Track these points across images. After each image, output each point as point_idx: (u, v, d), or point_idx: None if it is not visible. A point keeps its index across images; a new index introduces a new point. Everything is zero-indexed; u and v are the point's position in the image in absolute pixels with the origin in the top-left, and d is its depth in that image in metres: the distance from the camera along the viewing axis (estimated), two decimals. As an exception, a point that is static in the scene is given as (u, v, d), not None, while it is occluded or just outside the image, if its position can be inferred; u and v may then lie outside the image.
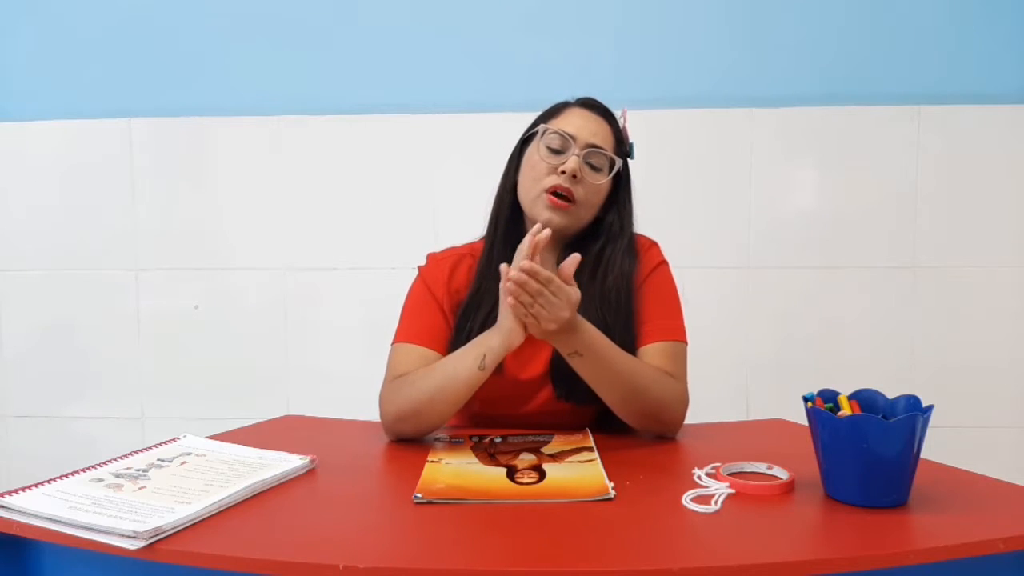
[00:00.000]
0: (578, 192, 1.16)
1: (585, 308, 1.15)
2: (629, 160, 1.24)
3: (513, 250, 1.21)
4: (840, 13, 1.95)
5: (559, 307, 0.99)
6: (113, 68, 2.05)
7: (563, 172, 1.14)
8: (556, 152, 1.17)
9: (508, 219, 1.23)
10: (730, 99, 1.96)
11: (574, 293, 1.00)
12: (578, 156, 1.15)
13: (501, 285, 1.02)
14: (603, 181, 1.18)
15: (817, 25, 1.96)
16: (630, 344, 1.16)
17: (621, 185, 1.24)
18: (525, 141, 1.23)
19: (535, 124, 1.24)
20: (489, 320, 1.13)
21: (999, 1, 1.93)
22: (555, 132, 1.17)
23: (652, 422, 1.11)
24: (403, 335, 1.20)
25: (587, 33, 1.98)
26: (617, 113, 1.25)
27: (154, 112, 2.03)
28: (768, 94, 1.96)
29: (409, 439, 1.11)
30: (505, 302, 1.02)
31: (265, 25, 2.02)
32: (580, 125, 1.18)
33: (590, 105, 1.22)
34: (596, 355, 1.05)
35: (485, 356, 1.04)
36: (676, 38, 1.98)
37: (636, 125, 1.91)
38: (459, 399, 1.07)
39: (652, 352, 1.16)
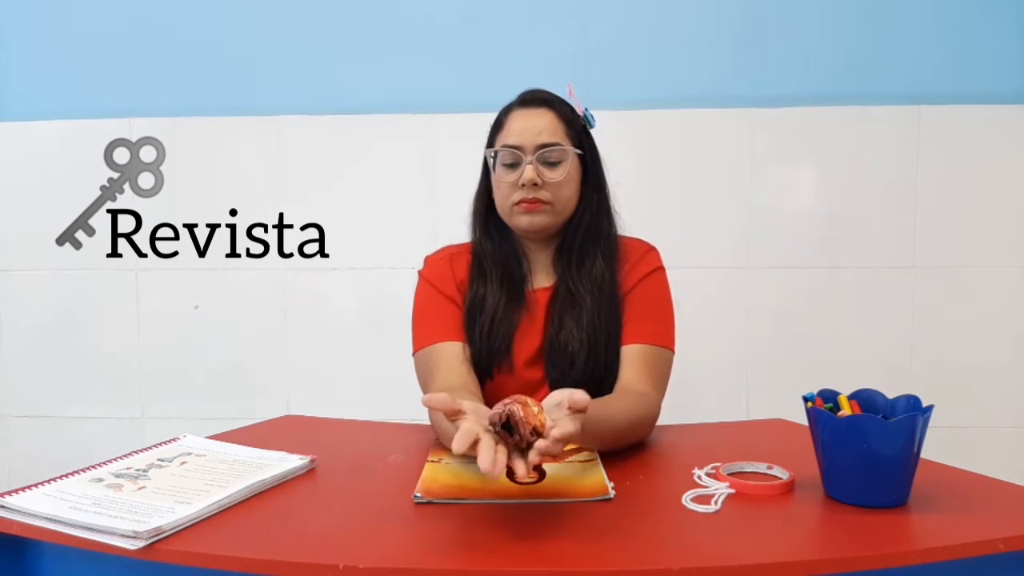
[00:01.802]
0: (544, 195, 1.16)
1: (579, 293, 1.16)
2: (591, 129, 1.23)
3: (501, 251, 1.23)
4: (840, 13, 1.95)
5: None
6: (113, 68, 2.05)
7: (523, 185, 1.15)
8: (513, 167, 1.17)
9: (487, 222, 1.25)
10: (730, 99, 1.96)
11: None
12: (532, 163, 1.15)
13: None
14: (565, 174, 1.17)
15: (817, 25, 1.96)
16: (615, 331, 1.17)
17: (588, 163, 1.23)
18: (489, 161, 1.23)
19: (488, 138, 1.23)
20: (494, 323, 1.15)
21: (999, 1, 1.93)
22: (504, 149, 1.17)
23: (623, 446, 1.06)
24: (421, 340, 1.19)
25: (587, 33, 1.98)
26: (565, 92, 1.23)
27: (154, 112, 2.03)
28: (768, 94, 1.96)
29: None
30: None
31: (265, 25, 2.02)
32: (523, 129, 1.17)
33: (528, 101, 1.21)
34: (589, 435, 0.94)
35: None
36: (675, 38, 1.98)
37: (636, 125, 1.94)
38: None
39: (633, 353, 1.16)
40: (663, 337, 1.18)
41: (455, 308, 1.21)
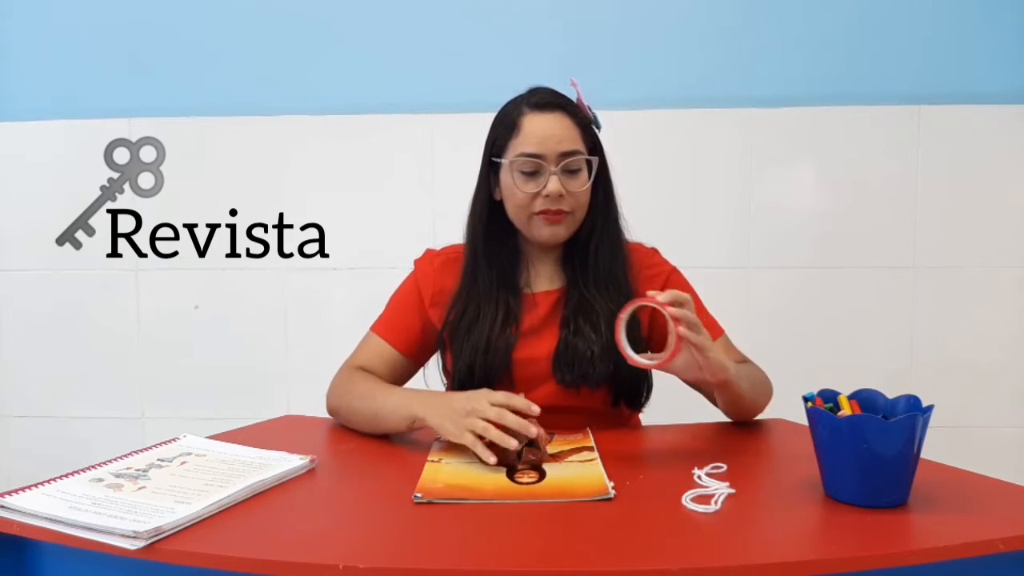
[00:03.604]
0: (567, 205, 1.15)
1: (593, 298, 1.16)
2: (598, 130, 1.21)
3: (498, 256, 1.21)
4: (840, 13, 1.95)
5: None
6: (113, 68, 2.04)
7: (547, 196, 1.13)
8: (531, 175, 1.14)
9: (488, 228, 1.22)
10: (730, 99, 1.96)
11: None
12: (556, 175, 1.13)
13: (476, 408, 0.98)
14: (586, 183, 1.16)
15: (817, 25, 1.95)
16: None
17: (599, 166, 1.20)
18: (492, 161, 1.20)
19: (494, 139, 1.19)
20: (491, 340, 1.15)
21: (999, 1, 1.93)
22: (523, 157, 1.13)
23: (752, 410, 1.15)
24: (380, 327, 1.24)
25: (587, 33, 1.98)
26: (568, 89, 1.20)
27: (154, 112, 2.03)
28: (768, 94, 1.96)
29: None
30: (466, 403, 0.99)
31: (265, 25, 2.02)
32: (544, 136, 1.13)
33: (544, 105, 1.15)
34: (735, 372, 1.05)
35: (415, 422, 1.05)
36: (675, 38, 1.97)
37: (635, 126, 1.94)
38: (383, 433, 1.11)
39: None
40: (717, 327, 1.22)
41: (419, 316, 1.23)
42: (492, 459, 0.92)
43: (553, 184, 1.12)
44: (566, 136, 1.14)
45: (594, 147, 1.19)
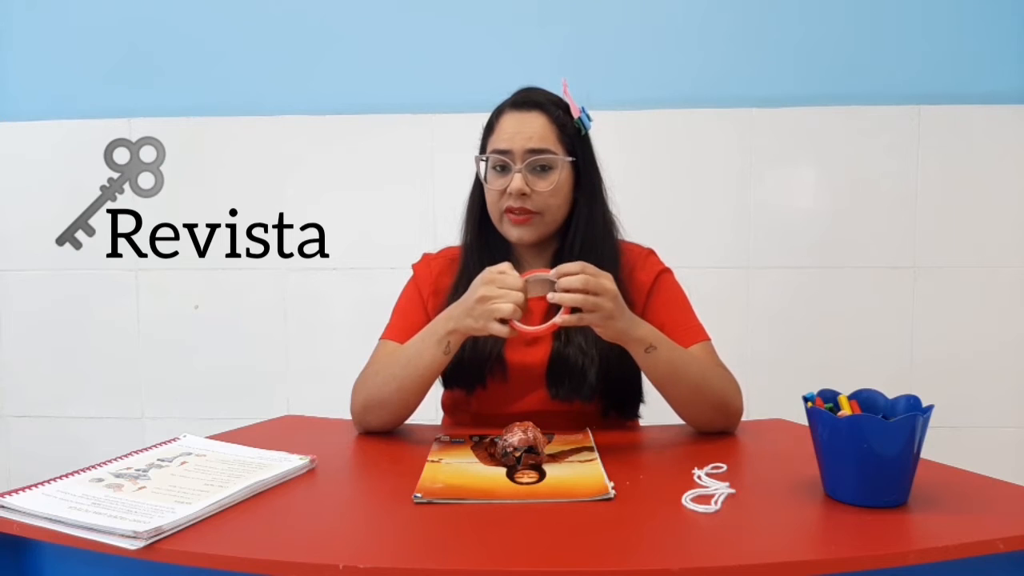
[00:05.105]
0: (532, 205, 1.14)
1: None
2: (587, 131, 1.20)
3: (492, 252, 1.22)
4: (840, 13, 1.95)
5: (601, 302, 0.98)
6: (113, 68, 2.05)
7: (510, 193, 1.13)
8: (501, 172, 1.15)
9: (480, 225, 1.23)
10: (730, 99, 1.96)
11: (605, 280, 0.99)
12: (520, 171, 1.13)
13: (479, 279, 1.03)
14: (554, 183, 1.14)
15: (817, 25, 1.96)
16: None
17: (581, 168, 1.19)
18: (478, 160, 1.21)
19: (480, 139, 1.21)
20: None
21: (999, 1, 1.93)
22: (494, 154, 1.15)
23: (719, 416, 1.10)
24: (390, 332, 1.22)
25: (586, 34, 1.99)
26: (560, 90, 1.20)
27: (154, 112, 2.03)
28: (767, 94, 1.96)
29: (379, 432, 1.13)
30: (477, 294, 1.01)
31: (265, 25, 2.02)
32: (513, 133, 1.14)
33: (520, 103, 1.17)
34: (667, 346, 1.05)
35: (449, 343, 1.05)
36: (675, 38, 1.98)
37: (635, 126, 1.94)
38: (424, 386, 1.10)
39: None
40: (698, 332, 1.18)
41: (424, 315, 1.22)
42: (524, 328, 0.99)
43: (516, 181, 1.13)
44: (536, 134, 1.14)
45: (572, 149, 1.18)
